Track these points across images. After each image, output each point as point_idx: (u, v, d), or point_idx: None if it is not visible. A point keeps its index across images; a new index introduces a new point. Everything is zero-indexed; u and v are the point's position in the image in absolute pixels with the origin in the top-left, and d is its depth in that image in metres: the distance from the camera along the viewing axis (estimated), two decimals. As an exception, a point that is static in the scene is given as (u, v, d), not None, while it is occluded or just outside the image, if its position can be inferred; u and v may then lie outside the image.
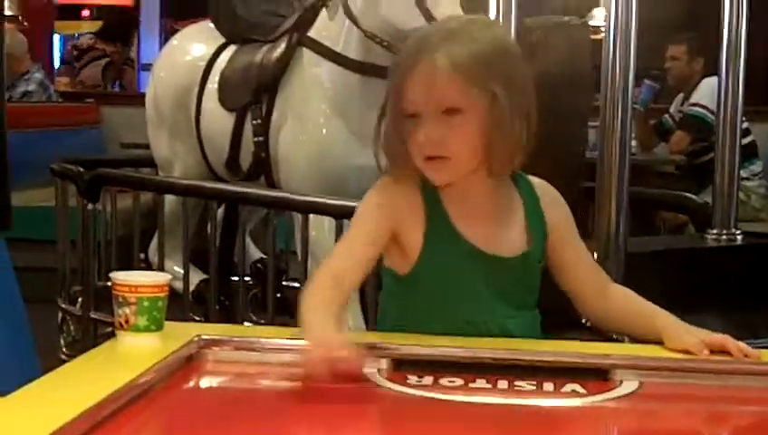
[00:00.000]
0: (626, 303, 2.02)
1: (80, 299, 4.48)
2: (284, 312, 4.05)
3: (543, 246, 2.00)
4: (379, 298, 2.11)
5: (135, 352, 1.76)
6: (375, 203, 1.98)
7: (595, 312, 2.05)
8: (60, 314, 4.62)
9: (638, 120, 6.10)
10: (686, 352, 1.83)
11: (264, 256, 4.42)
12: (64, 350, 4.51)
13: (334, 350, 1.68)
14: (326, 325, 1.76)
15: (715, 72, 3.75)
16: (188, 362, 1.78)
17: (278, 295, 3.99)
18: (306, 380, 1.69)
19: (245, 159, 4.07)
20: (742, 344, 1.83)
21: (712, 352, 1.82)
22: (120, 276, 1.82)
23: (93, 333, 4.24)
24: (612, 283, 2.07)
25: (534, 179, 2.04)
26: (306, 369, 1.69)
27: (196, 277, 4.20)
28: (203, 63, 4.29)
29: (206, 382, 1.82)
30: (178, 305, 3.77)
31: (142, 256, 4.45)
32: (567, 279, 2.03)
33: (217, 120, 4.17)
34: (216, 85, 4.20)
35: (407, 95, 1.90)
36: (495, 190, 1.99)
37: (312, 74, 3.89)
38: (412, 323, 1.96)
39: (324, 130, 3.81)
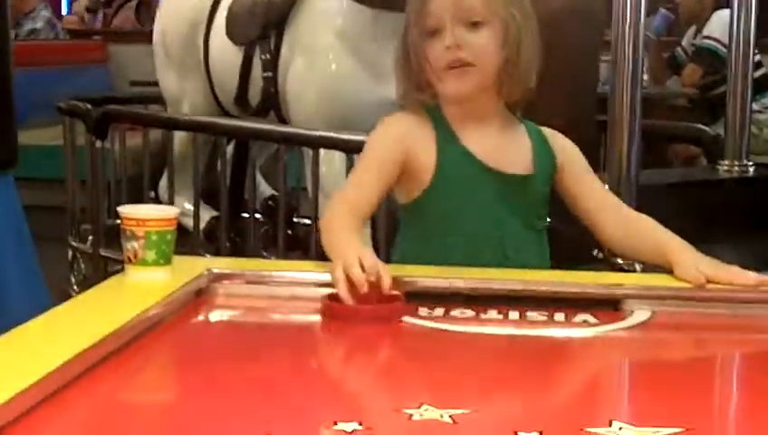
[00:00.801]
0: (644, 230, 2.02)
1: (90, 237, 4.48)
2: (295, 248, 4.06)
3: (550, 175, 2.05)
4: (396, 240, 2.12)
5: (144, 286, 1.75)
6: (384, 133, 2.04)
7: (613, 239, 2.06)
8: (70, 252, 4.64)
9: (652, 53, 6.06)
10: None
11: (275, 193, 4.41)
12: (75, 287, 4.52)
13: (370, 264, 1.71)
14: (353, 244, 1.79)
15: (727, 5, 3.71)
16: (198, 296, 1.78)
17: (289, 232, 3.98)
18: (339, 297, 1.68)
19: (254, 94, 4.04)
20: (752, 274, 1.82)
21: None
22: (127, 210, 1.81)
23: (104, 271, 4.24)
24: (631, 210, 2.09)
25: (544, 128, 2.09)
26: (339, 285, 1.69)
27: (206, 214, 4.20)
28: (210, -1, 4.25)
29: (215, 316, 1.81)
30: (189, 243, 3.78)
31: (152, 194, 4.45)
32: (584, 209, 2.06)
33: (226, 55, 4.13)
34: (223, 21, 4.16)
35: (431, 9, 1.96)
36: (503, 117, 2.06)
37: (322, 8, 3.85)
38: (424, 246, 2.00)
39: (334, 65, 3.78)
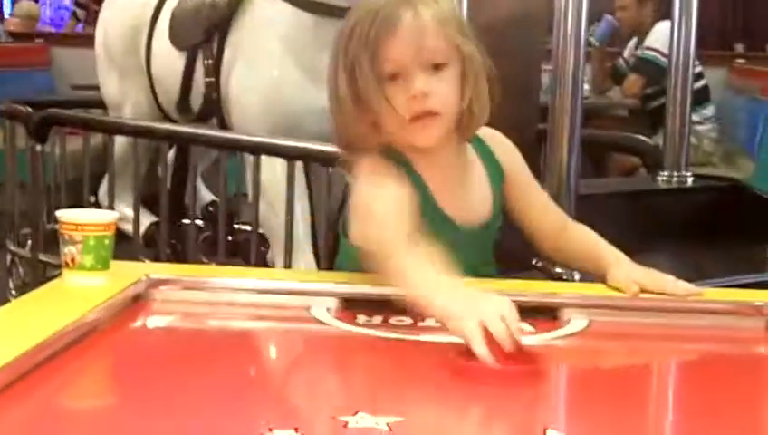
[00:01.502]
0: (581, 240, 2.03)
1: (29, 241, 4.44)
2: (236, 254, 4.04)
3: (502, 202, 2.00)
4: (337, 261, 2.04)
5: (81, 291, 1.74)
6: (381, 178, 1.85)
7: (552, 249, 2.06)
8: (9, 257, 4.59)
9: (595, 62, 6.12)
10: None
11: (216, 199, 4.40)
12: (13, 292, 4.48)
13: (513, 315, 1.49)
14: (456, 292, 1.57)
15: (669, 17, 3.76)
16: (135, 302, 1.77)
17: (229, 238, 3.97)
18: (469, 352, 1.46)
19: (196, 99, 4.02)
20: (683, 284, 1.84)
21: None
22: (66, 215, 1.80)
23: (43, 276, 4.20)
24: (571, 221, 2.08)
25: (482, 131, 1.99)
26: (476, 343, 1.45)
27: (146, 220, 4.17)
28: (153, 3, 4.23)
29: (153, 322, 1.80)
30: (129, 248, 3.75)
31: (93, 198, 4.42)
32: (524, 220, 2.04)
33: (168, 60, 4.11)
34: (166, 25, 4.14)
35: (388, 54, 1.81)
36: (460, 154, 1.97)
37: (264, 14, 3.84)
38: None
39: (276, 71, 3.77)
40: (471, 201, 1.97)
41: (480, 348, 1.44)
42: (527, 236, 2.06)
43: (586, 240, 2.02)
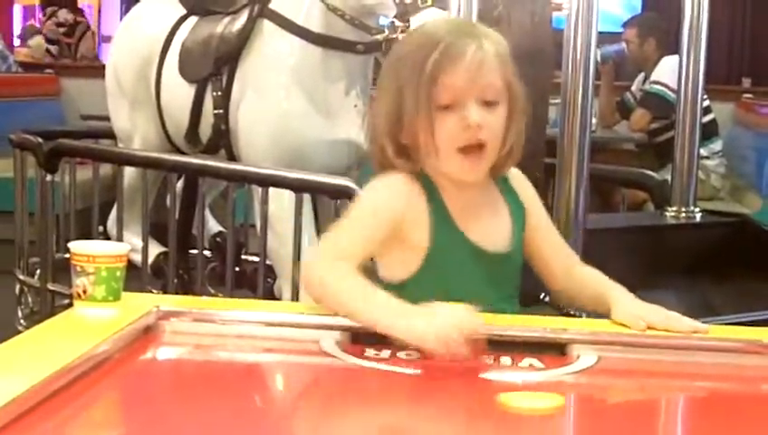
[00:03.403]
0: (587, 279, 2.03)
1: (38, 271, 4.44)
2: (243, 285, 4.05)
3: (521, 241, 2.02)
4: None
5: (92, 323, 1.75)
6: (384, 193, 1.92)
7: (560, 288, 2.07)
8: (18, 286, 4.59)
9: (602, 96, 6.14)
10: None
11: (224, 230, 4.41)
12: (22, 322, 4.48)
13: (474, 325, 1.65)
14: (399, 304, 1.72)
15: (676, 51, 3.77)
16: (146, 333, 1.78)
17: (237, 269, 3.98)
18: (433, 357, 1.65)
19: (205, 131, 4.04)
20: (688, 321, 1.83)
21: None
22: (78, 246, 1.81)
23: (51, 305, 4.21)
24: (581, 264, 2.08)
25: (511, 175, 2.03)
26: (436, 345, 1.64)
27: (155, 250, 4.18)
28: (163, 35, 4.25)
29: (163, 353, 1.81)
30: (137, 278, 3.76)
31: (101, 228, 4.43)
32: (536, 257, 2.05)
33: (178, 91, 4.13)
34: (176, 57, 4.16)
35: (448, 83, 1.84)
36: (487, 188, 1.99)
37: (273, 47, 3.87)
38: None
39: (285, 104, 3.79)
40: (491, 229, 1.97)
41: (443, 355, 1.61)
42: (537, 274, 2.06)
43: (592, 279, 2.02)
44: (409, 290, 1.86)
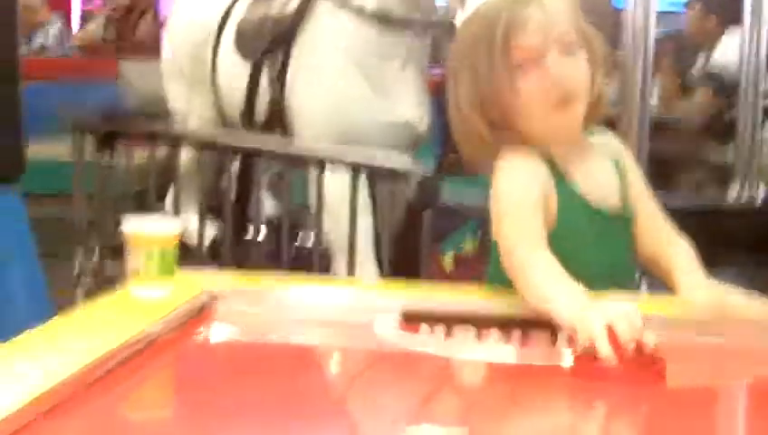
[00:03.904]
0: (675, 253, 1.94)
1: (96, 252, 4.47)
2: (299, 267, 4.04)
3: (629, 197, 1.95)
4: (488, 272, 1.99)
5: (145, 302, 1.74)
6: (523, 173, 1.87)
7: (647, 260, 1.98)
8: (76, 268, 4.62)
9: (664, 75, 6.06)
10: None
11: (279, 212, 4.40)
12: (81, 303, 4.50)
13: (638, 322, 1.52)
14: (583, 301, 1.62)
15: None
16: (199, 313, 1.76)
17: (293, 251, 3.97)
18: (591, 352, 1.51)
19: (261, 110, 4.04)
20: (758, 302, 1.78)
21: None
22: (131, 224, 1.80)
23: (110, 287, 4.22)
24: (676, 237, 1.97)
25: (610, 140, 2.00)
26: (600, 341, 1.50)
27: (211, 231, 4.19)
28: (219, 15, 4.25)
29: (215, 334, 1.79)
30: (193, 261, 3.76)
31: (158, 210, 4.44)
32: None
33: (233, 71, 4.13)
34: (232, 36, 4.16)
35: (520, 44, 1.81)
36: (590, 150, 1.94)
37: (328, 26, 3.85)
38: None
39: (340, 84, 3.77)
40: (603, 187, 1.92)
41: (602, 346, 1.49)
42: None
43: (672, 256, 1.93)
44: None
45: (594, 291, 1.67)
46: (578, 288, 1.64)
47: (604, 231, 1.91)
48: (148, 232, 1.78)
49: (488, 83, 1.84)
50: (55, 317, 1.62)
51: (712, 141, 5.39)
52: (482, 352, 1.63)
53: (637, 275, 2.05)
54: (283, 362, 1.64)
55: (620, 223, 1.94)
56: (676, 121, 6.10)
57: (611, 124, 2.97)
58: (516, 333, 1.69)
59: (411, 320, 1.75)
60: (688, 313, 1.79)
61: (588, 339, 1.51)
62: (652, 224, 1.98)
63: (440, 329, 1.71)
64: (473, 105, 1.87)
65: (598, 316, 1.52)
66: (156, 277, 1.77)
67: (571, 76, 1.82)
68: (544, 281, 1.69)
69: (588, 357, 1.51)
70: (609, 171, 1.95)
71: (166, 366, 1.58)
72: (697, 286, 1.84)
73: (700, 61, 6.20)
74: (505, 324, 1.71)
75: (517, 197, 1.84)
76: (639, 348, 1.49)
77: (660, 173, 4.74)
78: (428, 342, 1.67)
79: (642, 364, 1.49)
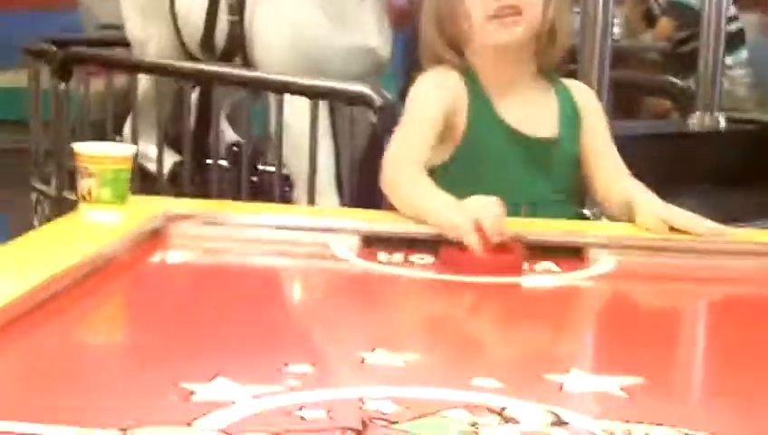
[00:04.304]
0: (623, 191, 1.96)
1: (53, 179, 4.42)
2: (259, 195, 4.01)
3: (576, 136, 2.00)
4: None
5: (98, 225, 1.71)
6: (427, 87, 1.97)
7: (602, 198, 2.02)
8: (34, 195, 4.58)
9: (628, 4, 6.04)
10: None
11: (240, 139, 4.36)
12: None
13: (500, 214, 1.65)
14: (450, 199, 1.73)
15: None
16: (154, 236, 1.74)
17: (253, 179, 3.93)
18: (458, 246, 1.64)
19: (220, 38, 3.98)
20: (713, 224, 1.79)
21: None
22: (83, 148, 1.77)
23: (67, 213, 4.18)
24: (629, 177, 2.01)
25: (571, 84, 2.06)
26: (469, 235, 1.62)
27: (170, 159, 4.14)
28: (177, -61, 4.17)
29: (171, 256, 1.77)
30: (152, 188, 3.72)
31: (117, 138, 4.38)
32: (585, 163, 2.01)
33: (192, -1, 4.06)
34: (190, -37, 4.08)
35: None
36: (533, 80, 2.00)
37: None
38: None
39: (300, 11, 3.71)
40: (534, 115, 1.98)
41: (470, 237, 1.62)
42: (584, 181, 2.03)
43: (627, 189, 1.95)
44: (448, 173, 1.91)
45: (516, 216, 1.78)
46: (446, 196, 1.74)
47: (528, 156, 1.95)
48: (101, 153, 1.75)
49: None
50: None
51: (674, 71, 5.39)
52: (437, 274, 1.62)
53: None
54: (240, 285, 1.63)
55: (550, 151, 1.97)
56: (639, 51, 6.10)
57: (573, 53, 2.96)
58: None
59: (369, 244, 1.74)
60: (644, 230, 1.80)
61: (456, 233, 1.63)
62: (610, 165, 2.02)
63: (398, 256, 1.70)
64: (431, 20, 1.96)
65: (463, 212, 1.64)
66: (109, 201, 1.74)
67: None
68: (414, 191, 1.79)
69: (454, 248, 1.63)
70: (550, 105, 1.99)
71: (120, 288, 1.56)
72: (654, 206, 1.84)
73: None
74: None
75: (414, 109, 1.96)
76: (501, 237, 1.62)
77: (622, 102, 4.74)
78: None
79: (502, 251, 1.62)
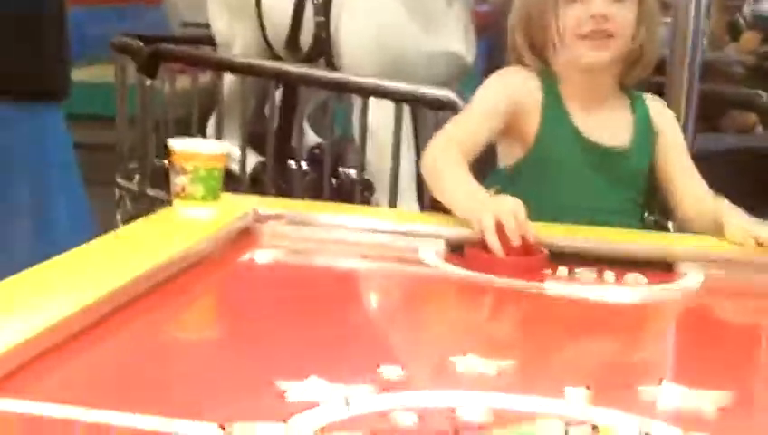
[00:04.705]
0: (700, 201, 1.99)
1: (137, 176, 4.47)
2: (340, 198, 4.02)
3: (649, 151, 2.03)
4: None
5: (190, 222, 1.73)
6: (497, 82, 2.01)
7: (686, 220, 2.03)
8: (117, 191, 4.63)
9: (713, 15, 5.97)
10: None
11: (322, 142, 4.38)
12: (121, 227, 4.51)
13: (524, 217, 1.65)
14: (481, 192, 1.75)
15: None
16: (244, 235, 1.76)
17: (334, 182, 3.95)
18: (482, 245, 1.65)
19: (306, 39, 4.00)
20: None
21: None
22: (178, 144, 1.79)
23: (150, 210, 4.22)
24: (712, 195, 2.01)
25: (650, 100, 2.08)
26: (490, 234, 1.63)
27: (253, 159, 4.17)
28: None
29: (260, 256, 1.79)
30: (235, 187, 3.75)
31: (200, 137, 4.42)
32: (666, 182, 2.05)
33: (279, -1, 4.09)
34: (278, -38, 4.11)
35: None
36: (613, 93, 2.04)
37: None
38: None
39: (385, 14, 3.73)
40: (609, 126, 2.01)
41: (491, 238, 1.62)
42: (667, 199, 2.06)
43: (708, 200, 1.97)
44: (519, 175, 1.96)
45: (578, 223, 1.82)
46: (476, 185, 1.76)
47: (598, 164, 1.98)
48: (196, 151, 1.77)
49: (536, 4, 1.95)
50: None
51: (759, 84, 5.32)
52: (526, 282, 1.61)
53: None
54: (326, 286, 1.64)
55: (621, 161, 2.00)
56: (724, 64, 6.02)
57: (661, 65, 2.94)
58: (562, 269, 1.68)
59: (455, 248, 1.74)
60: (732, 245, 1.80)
61: (479, 231, 1.64)
62: (692, 184, 2.04)
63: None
64: (519, 23, 2.00)
65: (488, 211, 1.64)
66: (201, 198, 1.77)
67: (611, 16, 1.90)
68: (448, 176, 1.81)
69: (479, 248, 1.65)
70: (625, 119, 2.02)
71: (209, 286, 1.58)
72: (742, 221, 1.83)
73: (749, 2, 6.11)
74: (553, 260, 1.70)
75: (477, 102, 1.99)
76: (524, 240, 1.63)
77: (706, 115, 4.69)
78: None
79: (525, 254, 1.64)
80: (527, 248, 1.65)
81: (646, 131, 2.03)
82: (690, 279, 1.69)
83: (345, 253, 1.77)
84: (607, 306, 1.60)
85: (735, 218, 1.85)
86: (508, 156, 2.00)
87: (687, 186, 2.03)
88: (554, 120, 1.97)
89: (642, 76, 2.02)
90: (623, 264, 1.71)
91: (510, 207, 1.64)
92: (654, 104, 2.08)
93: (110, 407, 1.01)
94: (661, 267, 1.73)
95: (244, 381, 1.14)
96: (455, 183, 1.79)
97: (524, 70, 2.00)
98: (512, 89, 1.98)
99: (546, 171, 1.96)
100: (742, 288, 1.73)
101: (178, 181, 1.77)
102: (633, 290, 1.63)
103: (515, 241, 1.63)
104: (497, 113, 1.94)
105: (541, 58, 1.99)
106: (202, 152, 1.78)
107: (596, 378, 1.23)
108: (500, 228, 1.63)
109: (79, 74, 3.32)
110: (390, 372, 1.16)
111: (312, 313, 1.44)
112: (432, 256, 1.72)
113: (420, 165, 1.91)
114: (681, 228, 2.07)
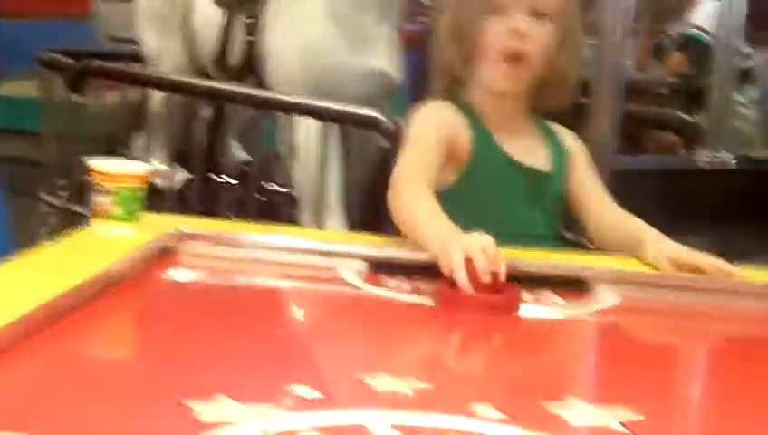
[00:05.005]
0: (622, 223, 2.02)
1: (63, 192, 4.44)
2: (266, 215, 4.02)
3: (563, 174, 2.07)
4: None
5: (110, 241, 1.73)
6: (429, 114, 2.02)
7: (594, 231, 2.08)
8: (42, 207, 4.59)
9: (639, 36, 6.05)
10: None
11: (249, 159, 4.38)
12: (43, 243, 4.46)
13: (494, 253, 1.59)
14: (453, 229, 1.70)
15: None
16: (164, 254, 1.75)
17: (261, 199, 3.95)
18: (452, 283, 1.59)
19: (235, 57, 4.00)
20: (719, 262, 1.80)
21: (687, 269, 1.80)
22: (99, 164, 1.78)
23: (76, 227, 4.18)
24: (620, 209, 2.06)
25: (551, 125, 2.12)
26: (459, 272, 1.57)
27: (180, 176, 4.16)
28: (195, -43, 4.20)
29: (180, 275, 1.78)
30: (161, 204, 3.73)
31: (125, 152, 4.40)
32: (572, 198, 2.08)
33: (208, 15, 4.08)
34: (208, -20, 4.11)
35: None
36: (527, 121, 2.07)
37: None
38: None
39: (314, 32, 3.74)
40: (529, 149, 2.04)
41: (459, 276, 1.56)
42: (581, 221, 2.09)
43: (627, 222, 2.01)
44: (452, 199, 1.91)
45: (512, 246, 1.76)
46: (447, 222, 1.73)
47: (526, 185, 2.02)
48: (117, 171, 1.76)
49: (466, 19, 1.97)
50: (17, 254, 1.60)
51: (680, 106, 5.40)
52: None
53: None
54: (247, 305, 1.64)
55: (545, 184, 2.04)
56: (648, 83, 6.10)
57: (586, 85, 2.98)
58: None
59: (377, 270, 1.75)
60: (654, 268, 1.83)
61: (449, 270, 1.58)
62: (601, 203, 2.08)
63: (406, 283, 1.71)
64: (451, 35, 2.00)
65: (457, 249, 1.59)
66: (122, 217, 1.76)
67: (526, 37, 1.93)
68: (418, 213, 1.78)
69: (448, 286, 1.59)
70: (541, 144, 2.06)
71: (129, 305, 1.57)
72: (664, 246, 1.86)
73: (676, 25, 6.19)
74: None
75: (418, 134, 1.98)
76: (495, 277, 1.57)
77: (629, 135, 4.75)
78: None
79: (496, 292, 1.58)
80: (498, 285, 1.59)
81: (559, 154, 2.07)
82: (605, 299, 1.71)
83: (266, 272, 1.77)
84: (522, 324, 1.62)
85: (656, 242, 1.88)
86: (442, 181, 1.97)
87: (600, 208, 2.06)
88: (482, 144, 1.99)
89: (561, 102, 2.05)
90: (539, 283, 1.72)
91: (480, 244, 1.59)
92: (558, 128, 2.12)
93: (19, 430, 1.00)
94: (577, 287, 1.75)
95: (156, 402, 1.14)
96: (423, 222, 1.76)
97: (445, 103, 2.02)
98: (444, 121, 1.99)
99: (479, 194, 1.98)
100: (656, 308, 1.76)
101: (99, 201, 1.76)
102: (548, 309, 1.65)
103: (485, 278, 1.57)
104: (439, 143, 1.95)
105: (470, 70, 2.01)
106: (123, 172, 1.77)
107: (505, 395, 1.25)
108: (469, 265, 1.58)
109: (6, 89, 3.30)
110: (302, 391, 1.16)
111: (229, 332, 1.44)
112: (352, 275, 1.73)
113: (390, 210, 1.85)
114: (597, 249, 2.09)
